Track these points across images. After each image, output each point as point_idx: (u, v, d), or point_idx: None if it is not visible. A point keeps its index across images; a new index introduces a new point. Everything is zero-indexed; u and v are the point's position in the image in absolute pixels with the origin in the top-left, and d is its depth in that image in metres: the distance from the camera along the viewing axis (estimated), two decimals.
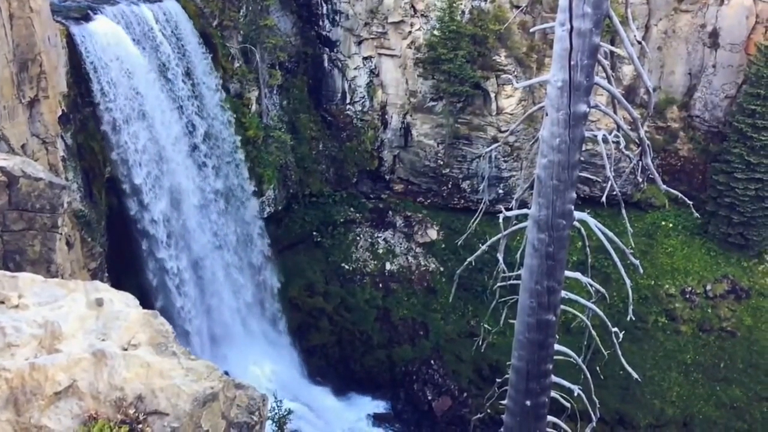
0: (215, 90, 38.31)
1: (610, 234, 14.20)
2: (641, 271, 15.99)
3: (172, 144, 35.20)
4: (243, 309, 41.33)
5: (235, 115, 39.82)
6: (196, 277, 37.91)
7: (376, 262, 47.07)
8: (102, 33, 30.31)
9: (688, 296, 45.41)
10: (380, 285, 46.57)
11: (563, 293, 14.46)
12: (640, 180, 13.97)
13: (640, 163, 13.34)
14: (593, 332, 15.58)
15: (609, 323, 15.41)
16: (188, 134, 36.66)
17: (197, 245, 37.60)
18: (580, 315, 15.90)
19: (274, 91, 44.56)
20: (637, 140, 13.19)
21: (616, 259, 14.74)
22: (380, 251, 47.50)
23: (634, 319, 16.81)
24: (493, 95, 45.04)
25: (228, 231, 40.19)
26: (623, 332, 15.73)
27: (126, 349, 9.14)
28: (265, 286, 43.18)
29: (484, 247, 16.00)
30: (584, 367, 15.99)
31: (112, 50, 30.72)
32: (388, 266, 47.00)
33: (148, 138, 33.35)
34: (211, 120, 38.14)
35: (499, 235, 15.28)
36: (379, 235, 48.20)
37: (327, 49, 46.63)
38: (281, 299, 43.80)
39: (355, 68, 46.71)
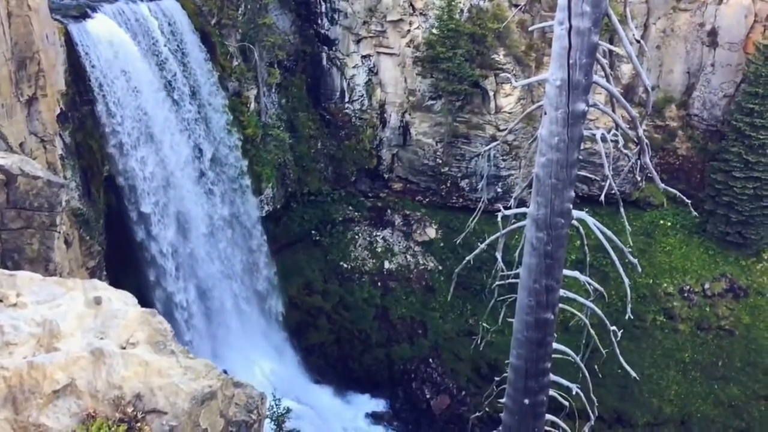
0: (222, 112, 37.36)
1: (609, 233, 14.22)
2: (639, 269, 16.02)
3: (181, 169, 34.20)
4: (249, 334, 41.06)
5: (241, 138, 38.99)
6: (204, 307, 37.48)
7: (374, 261, 47.07)
8: (107, 42, 29.24)
9: (686, 295, 45.45)
10: (379, 284, 46.57)
11: (562, 292, 14.47)
12: (639, 179, 14.01)
13: (639, 161, 13.35)
14: (591, 331, 15.60)
15: (607, 322, 15.43)
16: (196, 159, 35.68)
17: (205, 274, 37.05)
18: (578, 314, 15.92)
19: (273, 90, 44.52)
20: (635, 139, 13.20)
21: (615, 257, 14.76)
22: (379, 250, 47.50)
23: (632, 317, 16.84)
24: (491, 94, 45.04)
25: (235, 261, 39.56)
26: (621, 331, 15.76)
27: (124, 348, 9.14)
28: (270, 313, 43.10)
29: (482, 246, 16.01)
30: (582, 365, 16.01)
31: (119, 64, 29.66)
32: (386, 265, 47.00)
33: (156, 163, 32.26)
34: (218, 144, 37.30)
35: (498, 234, 15.28)
36: (378, 233, 48.20)
37: (326, 48, 46.59)
38: (286, 327, 43.58)
39: (354, 67, 46.68)
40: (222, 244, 38.33)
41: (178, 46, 34.14)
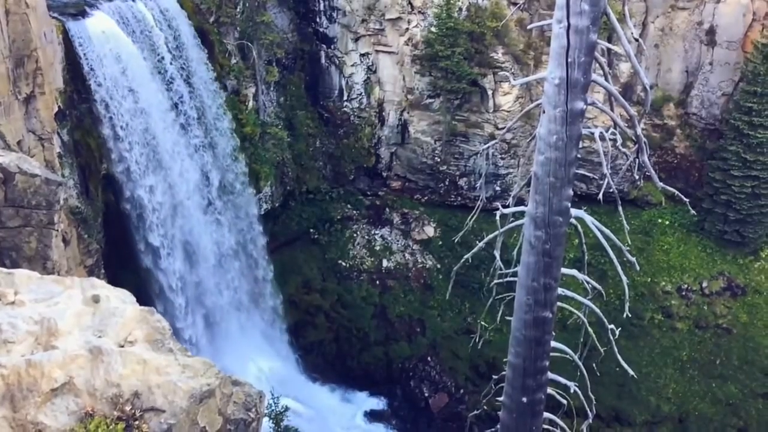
0: (229, 137, 36.17)
1: (607, 231, 14.24)
2: (637, 268, 16.05)
3: (188, 198, 33.07)
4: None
5: (248, 163, 38.03)
6: (211, 336, 37.07)
7: (373, 259, 47.07)
8: (113, 57, 27.94)
9: (684, 293, 45.50)
10: (377, 282, 46.57)
11: (560, 290, 14.49)
12: (637, 177, 14.01)
13: (637, 160, 13.37)
14: (589, 329, 15.63)
15: (605, 320, 15.46)
16: (204, 187, 34.55)
17: (213, 304, 36.57)
18: (576, 312, 15.95)
19: (271, 88, 44.46)
20: (633, 137, 13.21)
21: (613, 256, 14.79)
22: (377, 248, 47.50)
23: (630, 316, 16.91)
24: (490, 92, 45.02)
25: (242, 292, 38.98)
26: (619, 329, 15.80)
27: (122, 346, 9.14)
28: (275, 335, 43.04)
29: (481, 245, 16.04)
30: (580, 363, 16.05)
31: (126, 82, 28.38)
32: (385, 263, 47.00)
33: (164, 191, 31.07)
34: (224, 171, 36.40)
35: (496, 233, 15.30)
36: (376, 232, 48.19)
37: (324, 46, 46.55)
38: (295, 349, 43.48)
39: (353, 65, 46.64)
40: (230, 274, 37.79)
41: (183, 65, 32.47)
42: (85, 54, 27.76)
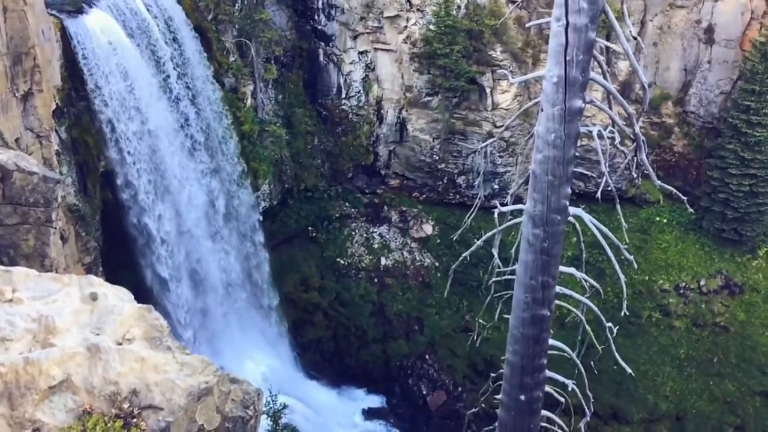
0: (236, 162, 35.39)
1: (605, 229, 14.26)
2: (635, 266, 16.08)
3: (196, 226, 32.39)
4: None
5: (253, 194, 37.73)
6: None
7: (371, 257, 47.07)
8: (120, 74, 27.10)
9: (682, 291, 45.57)
10: (375, 280, 46.57)
11: (558, 288, 14.51)
12: (635, 175, 14.03)
13: (635, 158, 13.38)
14: (587, 327, 15.66)
15: (603, 318, 15.48)
16: (211, 214, 34.01)
17: (220, 332, 36.38)
18: (574, 310, 15.97)
19: (270, 86, 44.43)
20: (632, 136, 13.22)
21: (611, 254, 14.81)
22: (375, 246, 47.50)
23: (628, 314, 16.96)
24: (488, 90, 45.01)
25: (248, 323, 38.76)
26: (617, 327, 15.83)
27: (120, 344, 9.14)
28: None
29: (479, 243, 16.05)
30: (578, 361, 16.08)
31: (133, 101, 27.59)
32: (383, 261, 47.01)
33: (171, 218, 30.30)
34: (230, 197, 36.08)
35: (494, 231, 15.31)
36: (375, 230, 48.19)
37: (322, 44, 46.51)
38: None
39: (351, 63, 46.60)
40: (237, 304, 37.71)
41: (188, 84, 31.33)
42: (89, 70, 27.09)
